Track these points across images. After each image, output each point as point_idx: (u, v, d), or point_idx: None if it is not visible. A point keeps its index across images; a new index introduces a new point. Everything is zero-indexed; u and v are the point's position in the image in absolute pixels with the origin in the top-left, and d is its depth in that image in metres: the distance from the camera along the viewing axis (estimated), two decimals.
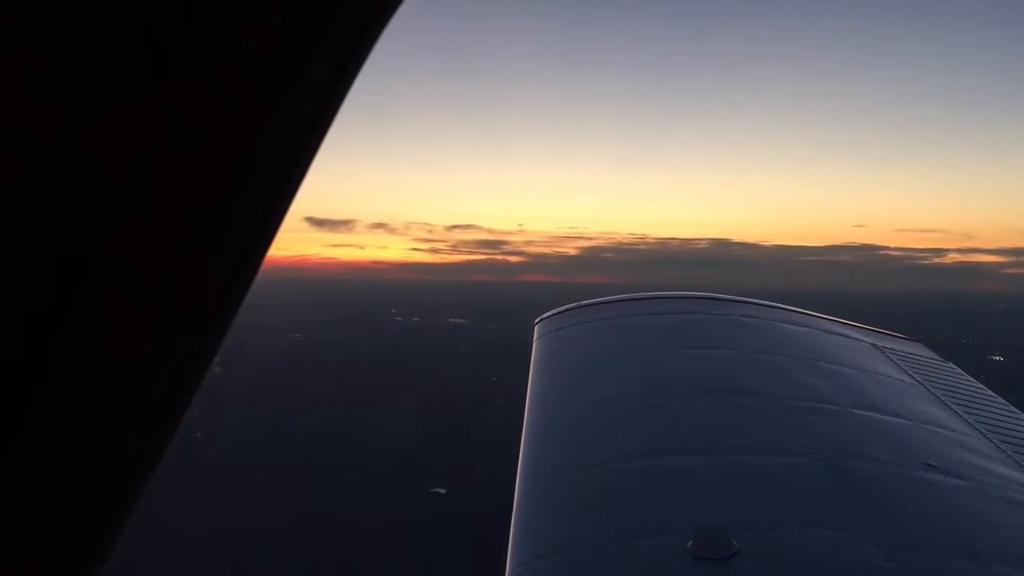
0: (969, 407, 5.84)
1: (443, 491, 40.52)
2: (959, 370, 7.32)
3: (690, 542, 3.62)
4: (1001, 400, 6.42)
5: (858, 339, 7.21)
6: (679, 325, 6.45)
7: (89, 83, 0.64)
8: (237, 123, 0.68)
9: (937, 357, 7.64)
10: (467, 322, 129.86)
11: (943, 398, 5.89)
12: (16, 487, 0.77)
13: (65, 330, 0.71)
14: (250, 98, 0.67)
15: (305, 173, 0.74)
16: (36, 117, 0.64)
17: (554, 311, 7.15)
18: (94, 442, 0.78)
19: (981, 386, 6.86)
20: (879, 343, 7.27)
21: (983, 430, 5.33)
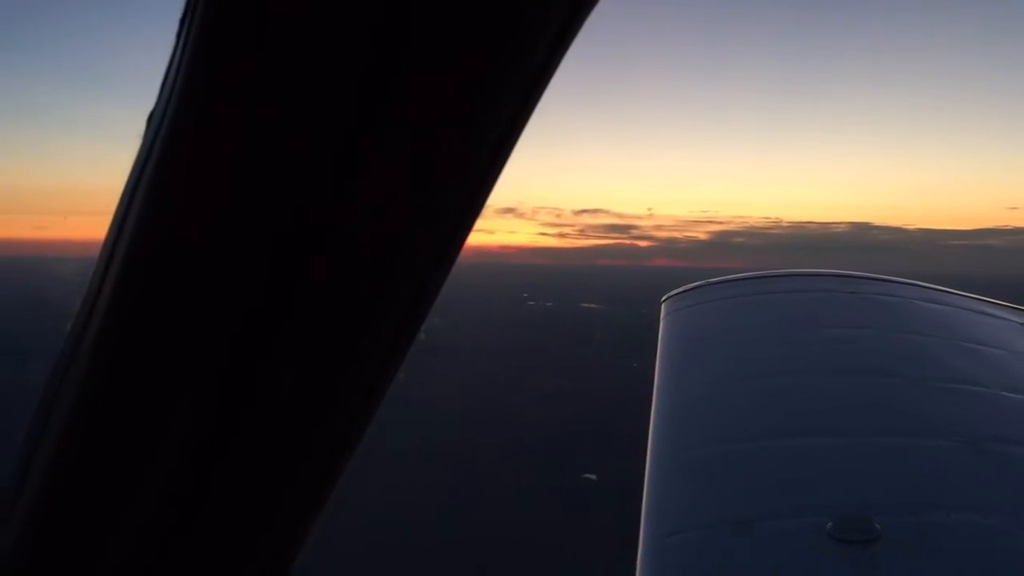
0: None
1: (593, 477, 40.30)
2: None
3: (830, 524, 3.47)
4: None
5: (1008, 319, 6.70)
6: (812, 303, 6.17)
7: (314, 90, 0.67)
8: (444, 125, 0.69)
9: None
10: (600, 307, 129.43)
11: None
12: (239, 474, 0.81)
13: (284, 320, 0.75)
14: (457, 105, 0.69)
15: (504, 165, 0.74)
16: (258, 118, 0.67)
17: (681, 289, 6.99)
18: (307, 425, 0.81)
19: None
20: None
21: None
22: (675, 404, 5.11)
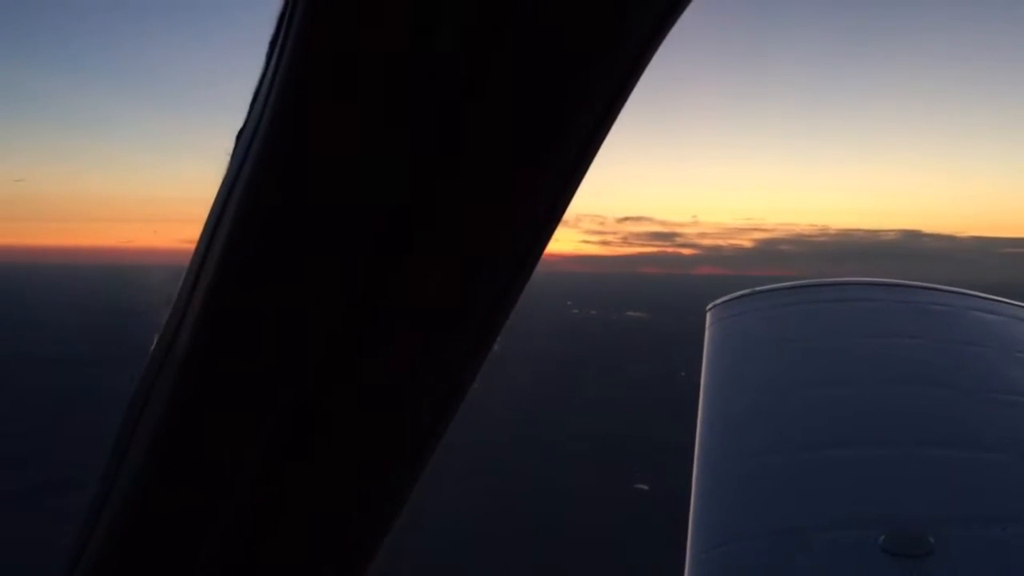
0: None
1: (645, 487, 39.67)
2: None
3: (882, 537, 3.39)
4: None
5: None
6: (861, 312, 6.05)
7: (404, 96, 0.67)
8: (533, 124, 0.70)
9: None
10: (645, 315, 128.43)
11: None
12: (333, 466, 0.82)
13: (370, 324, 0.76)
14: (546, 102, 0.69)
15: (586, 172, 0.75)
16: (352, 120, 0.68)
17: (727, 297, 6.89)
18: (392, 426, 0.82)
19: None
20: None
21: None
22: (722, 413, 5.05)
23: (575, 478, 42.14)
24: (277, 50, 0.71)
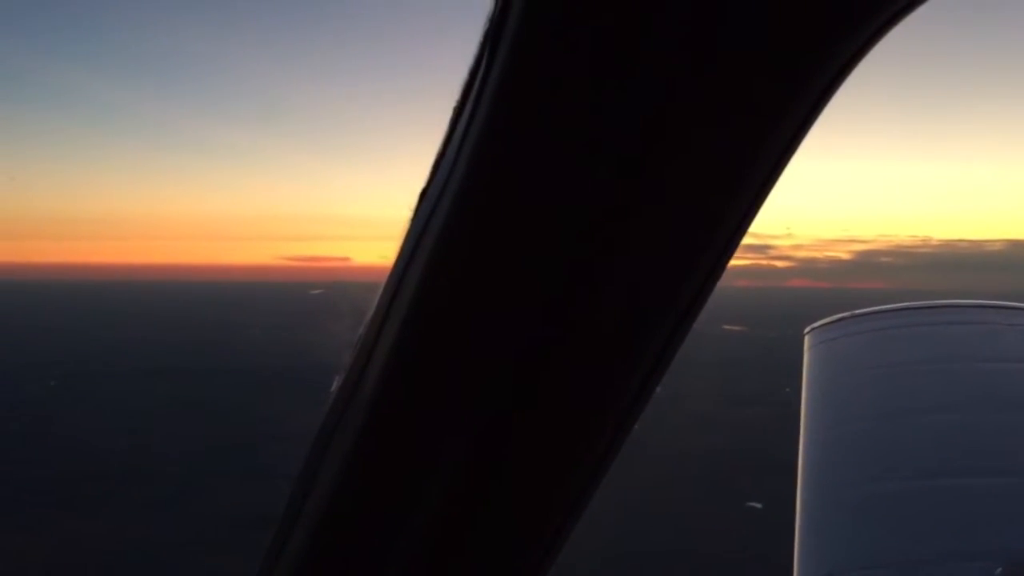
0: None
1: (759, 506, 38.33)
2: None
3: (999, 569, 3.28)
4: None
5: None
6: (968, 337, 5.82)
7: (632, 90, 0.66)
8: (737, 131, 0.69)
9: None
10: (744, 329, 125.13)
11: None
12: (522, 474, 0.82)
13: (566, 327, 0.75)
14: (748, 116, 0.68)
15: (780, 176, 0.73)
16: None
17: (825, 320, 6.73)
18: (580, 429, 0.81)
19: None
20: None
21: None
22: (824, 440, 4.95)
23: (685, 494, 41.12)
24: (468, 109, 0.71)
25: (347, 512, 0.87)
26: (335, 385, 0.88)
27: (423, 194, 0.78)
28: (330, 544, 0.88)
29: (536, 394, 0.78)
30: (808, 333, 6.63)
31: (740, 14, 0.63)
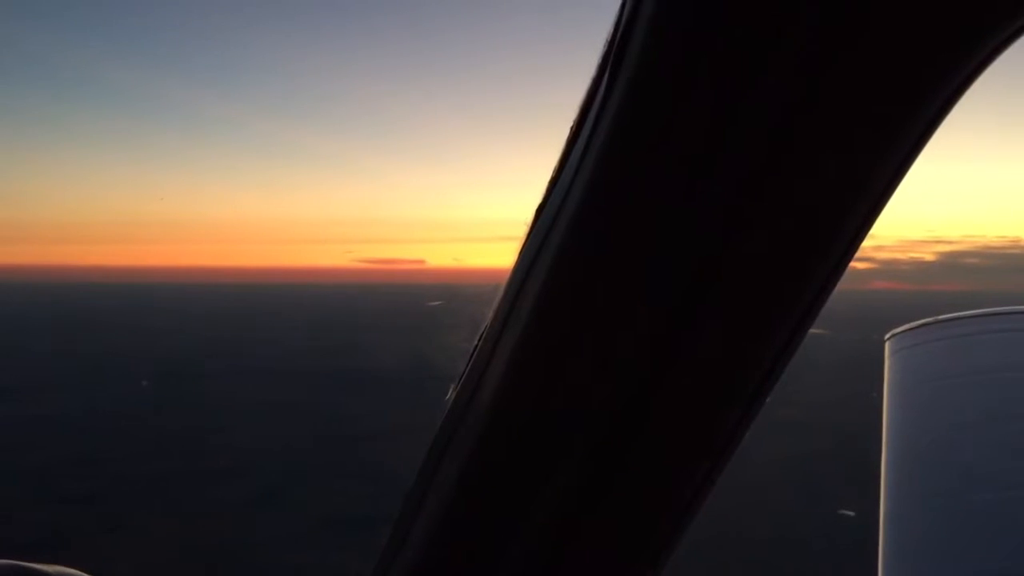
0: None
1: (851, 513, 37.07)
2: None
3: None
4: None
5: None
6: None
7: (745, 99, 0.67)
8: (859, 145, 0.69)
9: None
10: (827, 332, 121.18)
11: None
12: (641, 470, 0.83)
13: (692, 328, 0.76)
14: (881, 113, 0.68)
15: (906, 174, 0.73)
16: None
17: (906, 327, 6.55)
18: (701, 427, 0.82)
19: None
20: None
21: None
22: (909, 450, 4.84)
23: (776, 501, 40.07)
24: (587, 131, 0.72)
25: (464, 516, 0.88)
26: (450, 393, 0.89)
27: (539, 210, 0.80)
28: (446, 547, 0.89)
29: (654, 400, 0.78)
30: (889, 339, 6.46)
31: (868, 30, 0.64)
